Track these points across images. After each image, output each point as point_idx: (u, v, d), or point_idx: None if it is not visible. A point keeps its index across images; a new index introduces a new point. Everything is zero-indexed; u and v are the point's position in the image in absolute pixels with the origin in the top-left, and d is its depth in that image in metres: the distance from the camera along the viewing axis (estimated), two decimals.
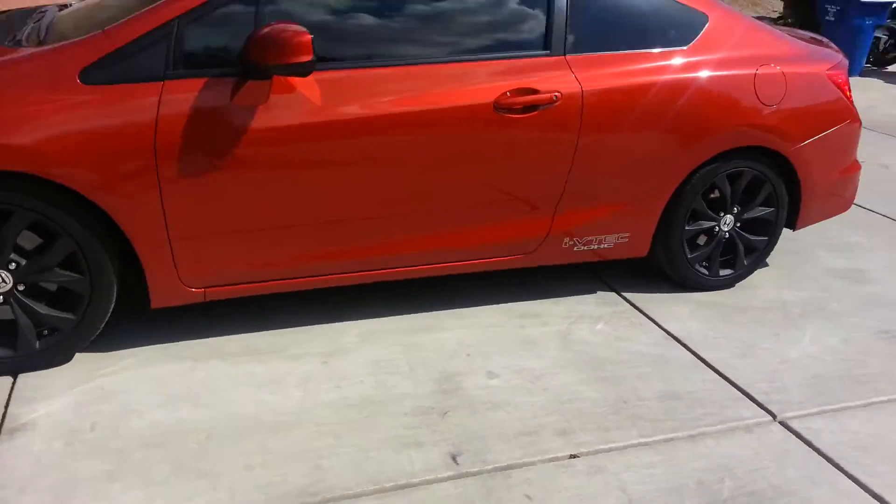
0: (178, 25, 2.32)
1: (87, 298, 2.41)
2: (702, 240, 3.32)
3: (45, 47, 2.30)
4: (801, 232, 4.02)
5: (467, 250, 2.85)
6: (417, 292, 3.15)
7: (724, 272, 3.37)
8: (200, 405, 2.35)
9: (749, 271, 3.44)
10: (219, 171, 2.37)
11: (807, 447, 2.35)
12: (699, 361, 2.78)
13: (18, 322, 2.37)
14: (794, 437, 2.40)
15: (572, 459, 2.22)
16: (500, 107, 2.66)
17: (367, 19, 2.55)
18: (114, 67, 2.26)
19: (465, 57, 2.66)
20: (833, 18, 9.77)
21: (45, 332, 2.44)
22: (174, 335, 2.72)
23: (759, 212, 3.31)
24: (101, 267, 2.38)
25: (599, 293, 3.28)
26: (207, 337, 2.73)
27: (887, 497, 2.13)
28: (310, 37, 2.24)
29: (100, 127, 2.23)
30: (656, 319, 3.07)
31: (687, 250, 3.23)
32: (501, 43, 2.72)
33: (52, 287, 2.44)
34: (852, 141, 3.42)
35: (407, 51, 2.59)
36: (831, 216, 3.57)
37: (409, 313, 2.99)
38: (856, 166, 3.51)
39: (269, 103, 2.39)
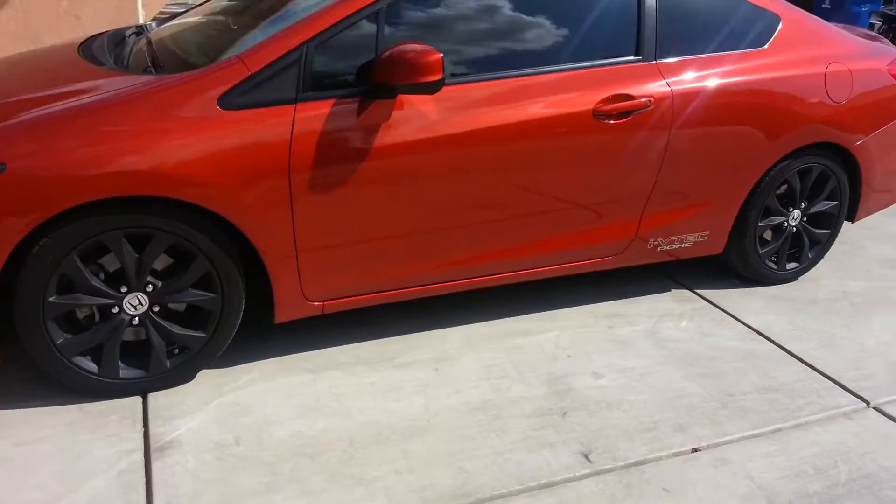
0: (307, 49, 2.41)
1: (218, 316, 2.50)
2: (768, 235, 3.46)
3: (181, 75, 2.37)
4: (845, 225, 4.17)
5: (562, 254, 2.96)
6: (507, 296, 3.26)
7: (790, 266, 3.51)
8: (333, 414, 2.45)
9: (812, 264, 3.58)
10: (345, 186, 2.47)
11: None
12: (786, 354, 2.92)
13: (152, 342, 2.45)
14: (890, 421, 2.54)
15: (695, 453, 2.34)
16: (598, 114, 2.77)
17: (471, 36, 2.65)
18: (251, 92, 2.35)
19: (563, 67, 2.77)
20: (829, 6, 9.95)
21: (176, 350, 2.53)
22: (287, 348, 2.82)
23: (824, 206, 3.45)
24: (232, 285, 2.47)
25: (674, 291, 3.41)
26: (318, 348, 2.83)
27: None
28: (440, 55, 2.34)
29: (239, 150, 2.32)
30: (735, 315, 3.21)
31: (758, 246, 3.37)
32: (596, 50, 2.83)
33: (181, 307, 2.52)
34: None
35: (507, 64, 2.69)
36: (885, 207, 3.72)
37: (503, 317, 3.10)
38: None
39: (392, 120, 2.49)
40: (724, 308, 3.26)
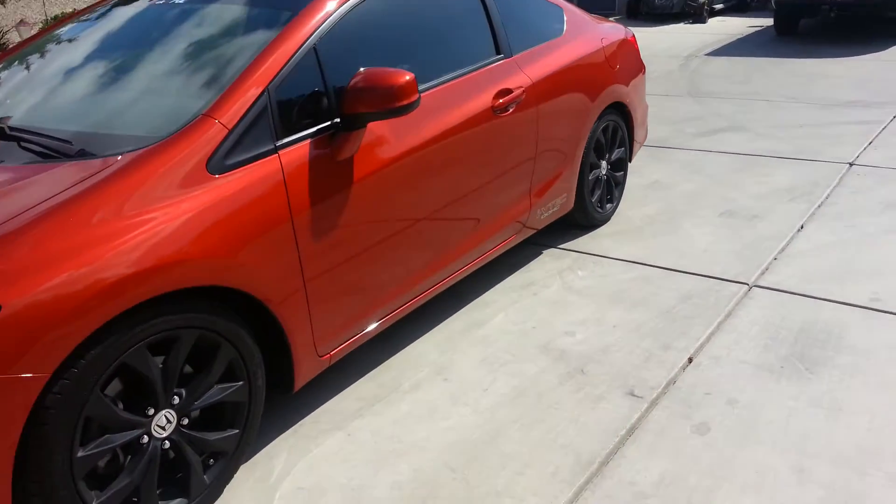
0: (269, 93, 2.18)
1: (248, 404, 2.14)
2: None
3: (143, 151, 1.97)
4: None
5: (487, 242, 3.13)
6: (433, 299, 3.29)
7: (608, 207, 4.17)
8: (404, 454, 2.30)
9: (619, 202, 4.30)
10: (336, 216, 2.32)
11: (786, 294, 3.22)
12: (664, 270, 3.53)
13: (189, 461, 2.00)
14: (772, 291, 3.27)
15: (692, 362, 2.77)
16: (496, 108, 2.99)
17: (394, 56, 2.65)
18: (234, 150, 2.07)
19: (457, 73, 2.92)
20: None
21: (210, 461, 2.09)
22: (289, 419, 2.51)
23: (618, 153, 4.17)
24: (255, 364, 2.14)
25: (545, 252, 3.80)
26: (317, 407, 2.57)
27: (882, 307, 3.13)
28: (412, 75, 2.30)
29: (242, 213, 2.04)
30: (603, 254, 3.73)
31: (590, 196, 3.94)
32: (475, 55, 3.04)
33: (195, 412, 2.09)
34: (644, 86, 4.48)
35: (422, 77, 2.76)
36: (640, 148, 4.62)
37: (448, 317, 3.15)
38: (646, 106, 4.60)
39: (363, 147, 2.40)
40: (591, 252, 3.77)
